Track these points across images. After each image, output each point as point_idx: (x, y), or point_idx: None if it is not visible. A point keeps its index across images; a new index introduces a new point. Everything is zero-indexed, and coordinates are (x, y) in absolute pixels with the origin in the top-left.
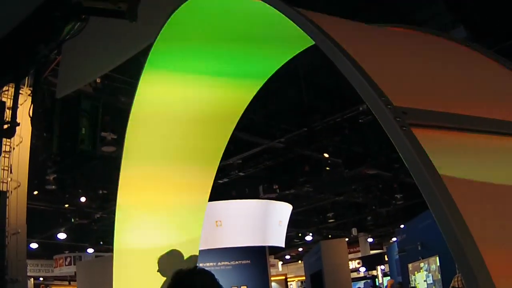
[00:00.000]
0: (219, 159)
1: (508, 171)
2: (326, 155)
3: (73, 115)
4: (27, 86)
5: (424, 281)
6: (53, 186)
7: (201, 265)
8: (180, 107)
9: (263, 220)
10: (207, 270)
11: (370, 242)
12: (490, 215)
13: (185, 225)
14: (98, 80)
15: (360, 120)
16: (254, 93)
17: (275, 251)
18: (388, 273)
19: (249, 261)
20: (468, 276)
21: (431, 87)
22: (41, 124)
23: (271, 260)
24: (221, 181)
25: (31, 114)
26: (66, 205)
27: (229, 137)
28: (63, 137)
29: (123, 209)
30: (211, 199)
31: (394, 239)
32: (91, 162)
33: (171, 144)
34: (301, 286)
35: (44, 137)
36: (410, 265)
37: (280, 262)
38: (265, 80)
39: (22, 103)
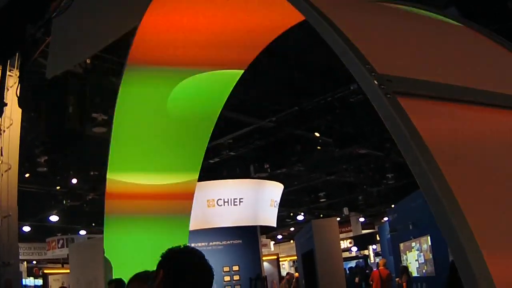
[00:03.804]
0: (208, 138)
1: (496, 142)
2: (317, 134)
3: (60, 94)
4: (17, 68)
5: (416, 260)
6: (45, 169)
7: (192, 245)
8: (167, 92)
9: (255, 200)
10: (196, 249)
11: (361, 221)
12: (478, 184)
13: (175, 204)
14: (88, 61)
15: (351, 100)
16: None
17: (267, 230)
18: (380, 252)
19: (240, 241)
20: (455, 246)
21: (418, 57)
22: (29, 104)
23: (263, 240)
24: (212, 161)
25: (18, 94)
26: (58, 187)
27: (217, 116)
28: (51, 116)
29: (112, 190)
30: (202, 179)
31: (385, 218)
32: (81, 142)
33: (159, 125)
34: (293, 266)
35: (33, 117)
36: (401, 245)
37: (272, 242)
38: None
39: (13, 85)
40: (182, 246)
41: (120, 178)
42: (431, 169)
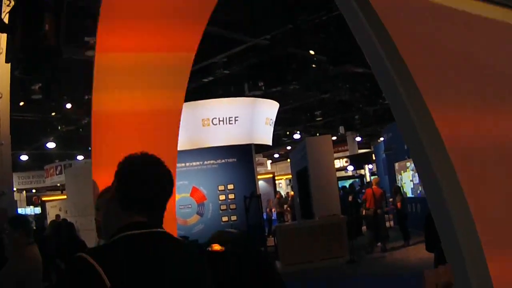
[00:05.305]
0: (193, 54)
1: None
2: (312, 52)
3: (37, 11)
4: None
5: (411, 180)
6: (39, 96)
7: (187, 164)
8: None
9: (250, 118)
10: (154, 155)
11: (358, 141)
12: (438, 70)
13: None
14: None
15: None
16: None
17: (263, 149)
18: (376, 172)
19: (235, 160)
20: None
21: None
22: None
23: (260, 158)
24: (206, 80)
25: None
26: (53, 114)
27: (202, 31)
28: (26, 34)
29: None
30: (197, 98)
31: (382, 139)
32: (74, 66)
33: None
34: (289, 184)
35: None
36: (396, 164)
37: (269, 161)
38: None
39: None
40: (139, 152)
41: (106, 95)
42: (393, 62)
